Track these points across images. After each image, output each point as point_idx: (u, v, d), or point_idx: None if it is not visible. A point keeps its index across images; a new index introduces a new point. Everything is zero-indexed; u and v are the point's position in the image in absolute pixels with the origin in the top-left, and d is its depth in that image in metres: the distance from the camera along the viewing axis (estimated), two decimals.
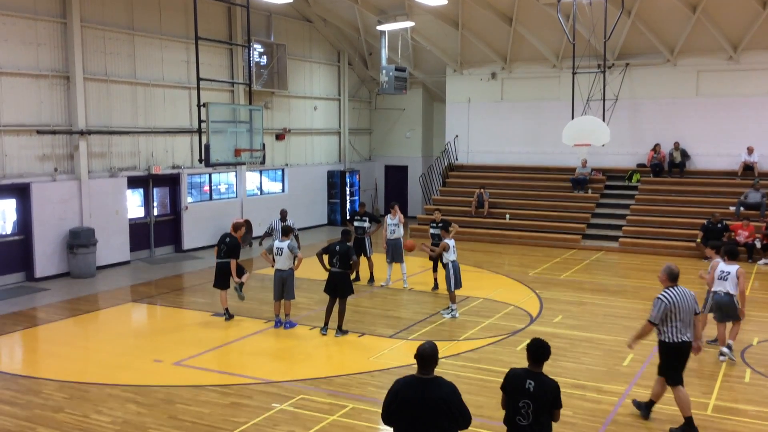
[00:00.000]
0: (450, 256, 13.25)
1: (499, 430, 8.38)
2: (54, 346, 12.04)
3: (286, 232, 12.73)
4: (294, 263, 12.54)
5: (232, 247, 13.00)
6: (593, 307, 14.35)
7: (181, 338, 12.19)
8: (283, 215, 17.03)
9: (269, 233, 16.16)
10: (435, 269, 15.44)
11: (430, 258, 15.11)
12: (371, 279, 16.35)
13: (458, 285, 13.36)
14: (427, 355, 5.38)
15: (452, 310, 13.38)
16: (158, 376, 10.25)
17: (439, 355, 5.60)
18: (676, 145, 22.80)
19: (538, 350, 6.00)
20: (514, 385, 5.99)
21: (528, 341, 6.17)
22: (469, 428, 8.33)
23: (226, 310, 13.22)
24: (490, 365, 10.58)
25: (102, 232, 17.59)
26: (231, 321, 13.10)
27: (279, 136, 24.01)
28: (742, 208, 20.36)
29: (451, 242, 13.33)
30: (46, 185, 16.68)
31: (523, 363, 10.56)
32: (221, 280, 13.13)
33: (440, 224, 15.49)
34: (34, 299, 15.02)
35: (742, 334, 11.29)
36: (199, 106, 14.40)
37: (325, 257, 12.25)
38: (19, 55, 16.11)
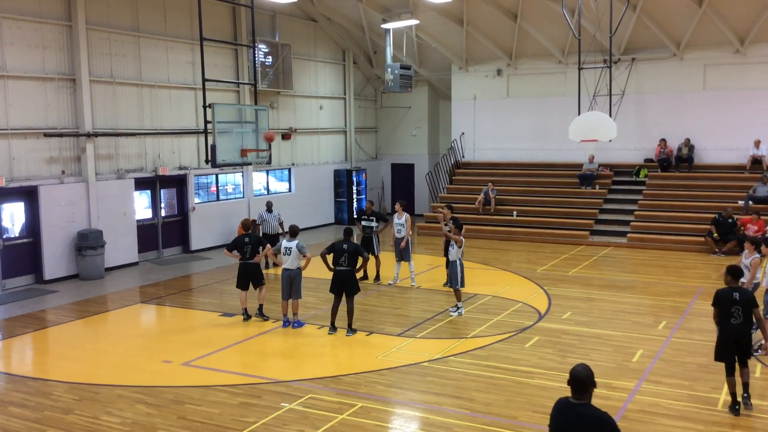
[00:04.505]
0: (458, 254, 13.25)
1: (508, 426, 8.39)
2: (63, 348, 12.09)
3: (294, 232, 12.73)
4: (302, 263, 12.57)
5: (255, 243, 13.19)
6: (602, 303, 14.30)
7: (190, 339, 12.21)
8: (269, 206, 17.73)
9: (259, 224, 17.57)
10: (448, 265, 15.36)
11: (445, 234, 14.71)
12: (377, 277, 16.33)
13: (463, 283, 13.38)
14: (579, 378, 4.98)
15: (458, 308, 13.37)
16: (167, 377, 10.27)
17: (589, 377, 5.02)
18: (686, 142, 22.68)
19: (736, 270, 8.69)
20: (725, 298, 8.51)
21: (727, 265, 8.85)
22: (477, 425, 8.38)
23: (245, 310, 13.25)
24: (498, 363, 10.55)
25: (110, 234, 17.66)
26: (238, 321, 13.12)
27: (285, 136, 24.03)
28: (750, 202, 20.25)
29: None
30: (53, 188, 16.74)
31: (533, 360, 10.59)
32: (244, 281, 13.18)
33: (447, 223, 15.42)
34: (43, 301, 15.08)
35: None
36: (204, 106, 14.41)
37: (330, 257, 12.24)
38: (25, 58, 16.17)
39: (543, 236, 21.95)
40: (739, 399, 8.66)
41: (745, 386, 8.73)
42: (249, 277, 13.16)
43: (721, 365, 8.83)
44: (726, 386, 8.92)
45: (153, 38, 19.06)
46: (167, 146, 19.70)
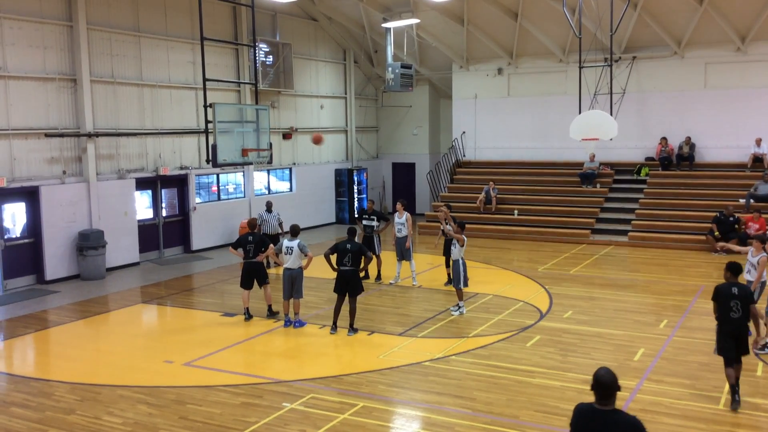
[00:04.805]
0: (460, 253, 13.26)
1: (509, 426, 8.38)
2: (65, 348, 12.09)
3: (296, 231, 12.73)
4: (304, 263, 12.58)
5: (259, 242, 13.25)
6: (603, 302, 14.30)
7: (191, 339, 12.21)
8: (269, 206, 17.72)
9: (259, 224, 17.24)
10: (448, 264, 15.39)
11: (444, 233, 14.83)
12: (378, 277, 16.34)
13: (466, 283, 13.38)
14: (605, 383, 4.81)
15: (459, 307, 13.37)
16: (169, 377, 10.28)
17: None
18: (687, 140, 22.65)
19: (735, 267, 8.90)
20: (724, 293, 8.75)
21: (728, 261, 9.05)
22: (479, 425, 8.38)
23: (247, 309, 13.26)
24: (500, 362, 10.55)
25: (111, 234, 17.65)
26: (240, 320, 13.12)
27: (286, 135, 24.03)
28: (752, 201, 20.22)
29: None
30: (55, 188, 16.75)
31: (534, 359, 10.58)
32: (247, 280, 13.21)
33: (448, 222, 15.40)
34: (44, 302, 15.09)
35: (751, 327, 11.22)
36: (205, 106, 14.42)
37: (333, 257, 12.23)
38: (26, 58, 16.17)
39: (544, 235, 21.94)
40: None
41: (736, 380, 8.85)
42: (252, 276, 13.20)
43: (722, 362, 8.85)
44: (727, 384, 8.93)
45: (154, 38, 19.06)
46: (168, 146, 19.70)
